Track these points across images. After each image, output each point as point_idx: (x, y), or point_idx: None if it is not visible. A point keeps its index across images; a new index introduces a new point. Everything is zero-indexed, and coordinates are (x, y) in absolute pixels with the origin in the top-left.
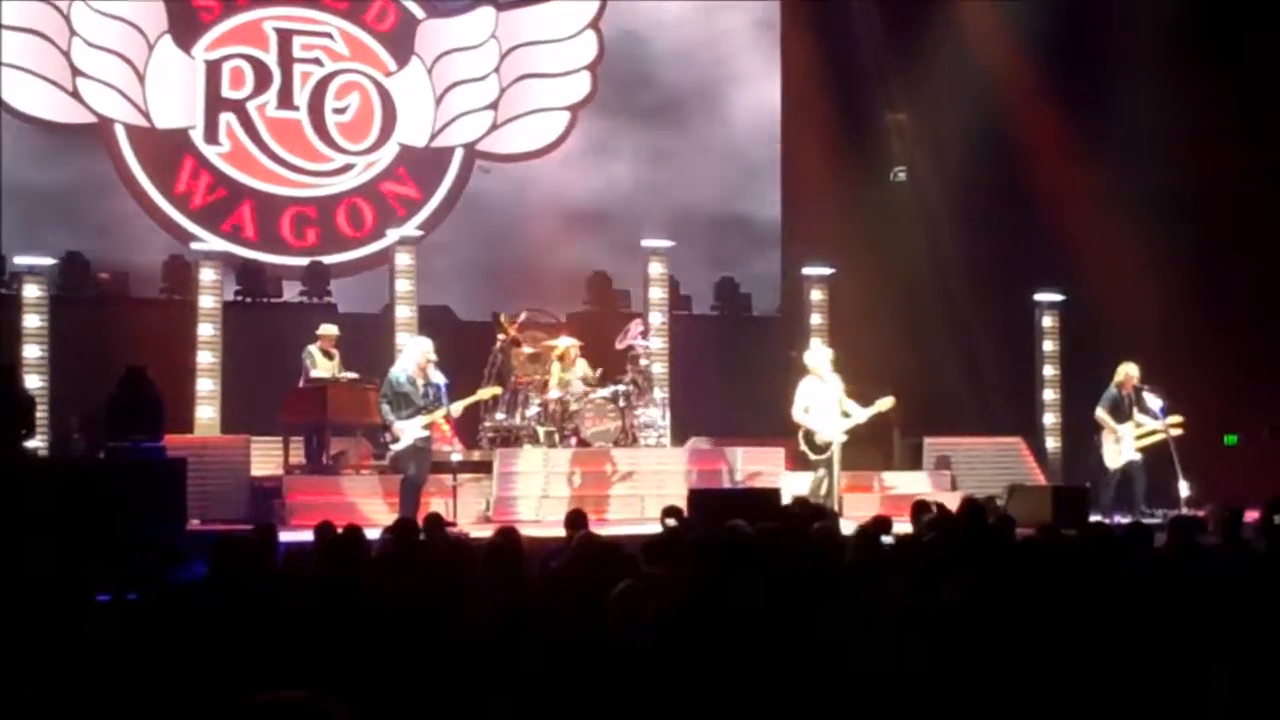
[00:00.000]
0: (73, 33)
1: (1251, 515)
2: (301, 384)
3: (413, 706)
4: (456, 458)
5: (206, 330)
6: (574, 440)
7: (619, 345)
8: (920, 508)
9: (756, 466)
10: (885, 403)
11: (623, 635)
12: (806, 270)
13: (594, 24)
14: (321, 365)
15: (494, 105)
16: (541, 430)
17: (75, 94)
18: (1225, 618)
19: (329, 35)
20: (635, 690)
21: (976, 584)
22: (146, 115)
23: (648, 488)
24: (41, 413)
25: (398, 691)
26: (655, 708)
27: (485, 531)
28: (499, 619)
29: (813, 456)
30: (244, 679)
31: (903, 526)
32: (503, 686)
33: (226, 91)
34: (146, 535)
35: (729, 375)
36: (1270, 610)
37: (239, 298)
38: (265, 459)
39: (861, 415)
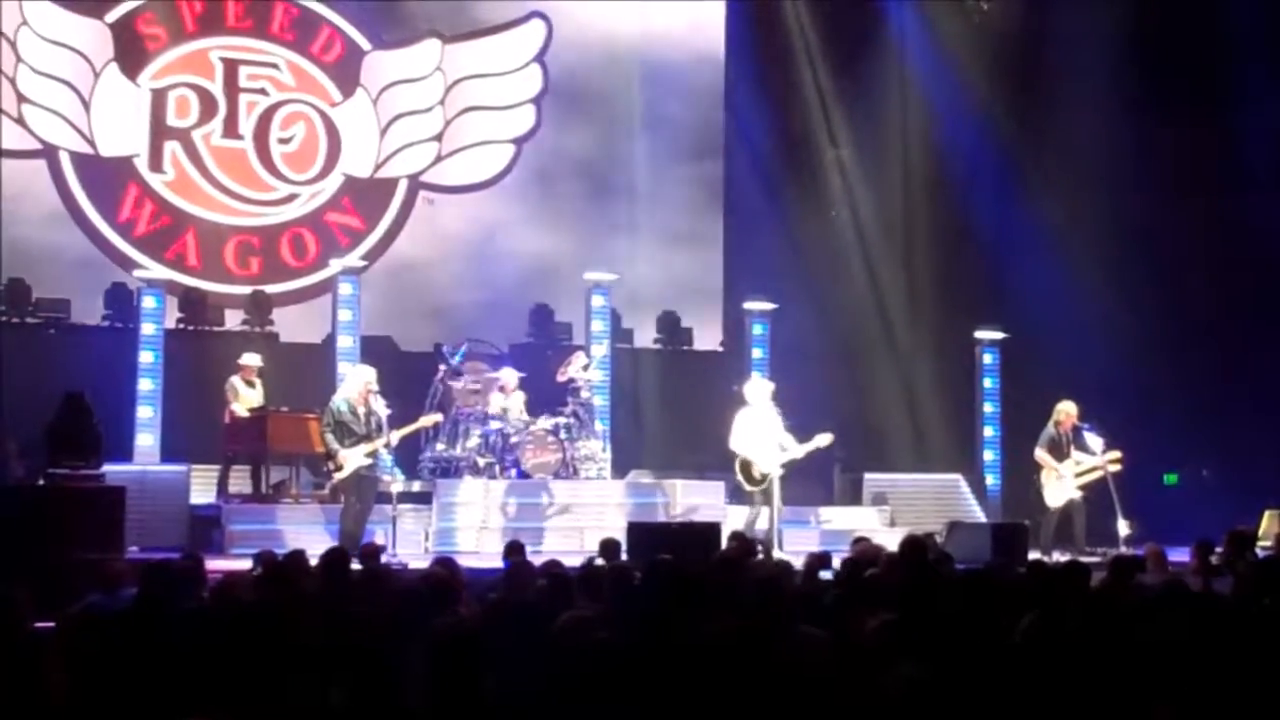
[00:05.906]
0: (19, 60)
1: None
2: (227, 417)
3: None
4: (397, 488)
5: (148, 358)
6: (514, 472)
7: (560, 378)
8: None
9: (697, 500)
10: (823, 439)
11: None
12: (748, 305)
13: (539, 58)
14: (244, 396)
15: (438, 137)
16: (482, 461)
17: (21, 120)
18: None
19: (275, 66)
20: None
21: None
22: (92, 143)
23: (588, 520)
24: None
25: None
26: None
27: (424, 562)
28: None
29: (748, 488)
30: (168, 704)
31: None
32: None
33: (172, 120)
34: (83, 562)
35: (670, 409)
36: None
37: (181, 325)
38: (205, 487)
39: (798, 451)
